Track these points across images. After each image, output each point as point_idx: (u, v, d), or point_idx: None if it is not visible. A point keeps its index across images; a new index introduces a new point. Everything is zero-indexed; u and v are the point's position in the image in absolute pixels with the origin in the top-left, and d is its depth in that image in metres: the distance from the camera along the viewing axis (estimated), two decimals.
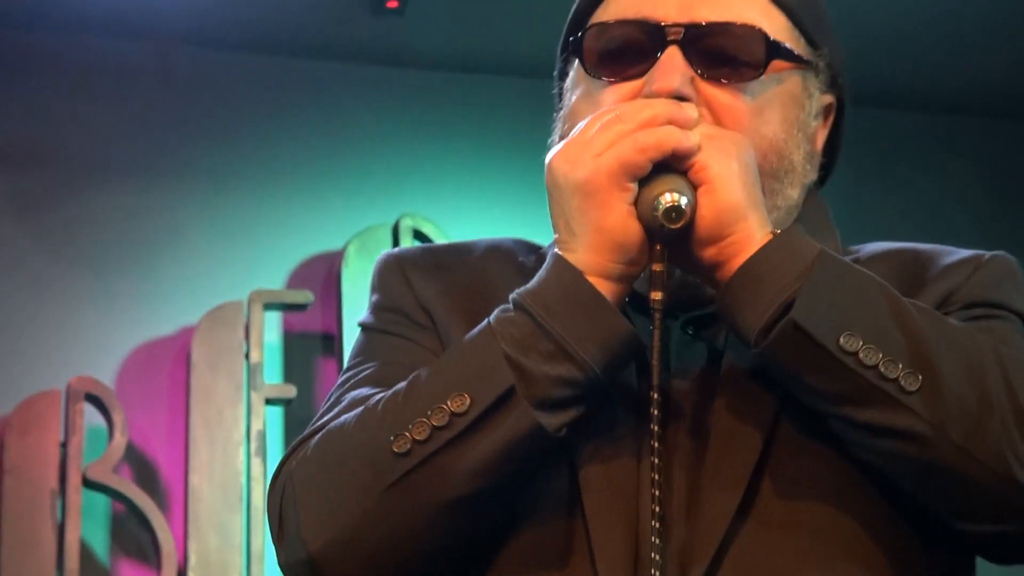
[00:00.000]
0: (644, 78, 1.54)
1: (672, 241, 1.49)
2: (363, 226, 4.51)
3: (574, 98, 1.63)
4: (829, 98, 1.66)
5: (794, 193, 1.61)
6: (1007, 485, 1.40)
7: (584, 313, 1.43)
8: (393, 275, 1.66)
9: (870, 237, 1.73)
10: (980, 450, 1.39)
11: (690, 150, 1.47)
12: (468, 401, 1.41)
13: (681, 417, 1.51)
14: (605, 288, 1.46)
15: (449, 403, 1.41)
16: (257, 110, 4.67)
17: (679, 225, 1.45)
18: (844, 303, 1.43)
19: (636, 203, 1.46)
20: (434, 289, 1.62)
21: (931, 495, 1.44)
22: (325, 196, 4.67)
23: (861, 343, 1.41)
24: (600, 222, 1.45)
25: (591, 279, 1.46)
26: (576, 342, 1.42)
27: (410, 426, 1.42)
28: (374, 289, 1.69)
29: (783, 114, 1.58)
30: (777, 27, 1.61)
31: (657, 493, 1.44)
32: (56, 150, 4.48)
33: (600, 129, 1.49)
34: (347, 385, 1.59)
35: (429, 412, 1.42)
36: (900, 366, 1.40)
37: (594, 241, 1.46)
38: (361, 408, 1.50)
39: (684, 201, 1.45)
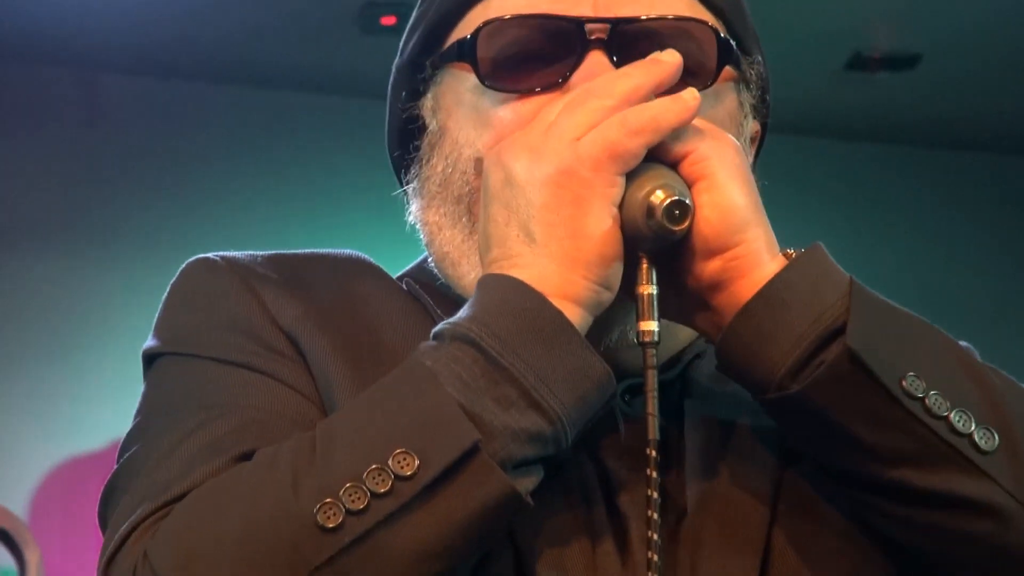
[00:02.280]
0: (560, 90, 1.27)
1: (660, 256, 1.20)
2: None
3: (451, 121, 1.35)
4: (756, 125, 1.41)
5: None
6: None
7: (550, 347, 1.16)
8: (232, 287, 1.33)
9: None
10: None
11: (690, 130, 1.21)
12: (416, 463, 1.12)
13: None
14: (573, 315, 1.18)
15: (391, 464, 1.12)
16: (211, 146, 4.01)
17: (683, 227, 1.17)
18: (900, 339, 1.20)
19: (622, 204, 1.18)
20: (296, 311, 1.31)
21: None
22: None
23: (927, 387, 1.18)
24: (576, 225, 1.17)
25: (556, 302, 1.17)
26: (544, 385, 1.15)
27: (341, 492, 1.12)
28: (192, 303, 1.35)
29: None
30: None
31: None
32: None
33: (567, 109, 1.21)
34: (182, 435, 1.24)
35: (364, 475, 1.12)
36: (973, 420, 1.18)
37: (565, 251, 1.18)
38: (249, 468, 1.17)
39: (686, 198, 1.17)
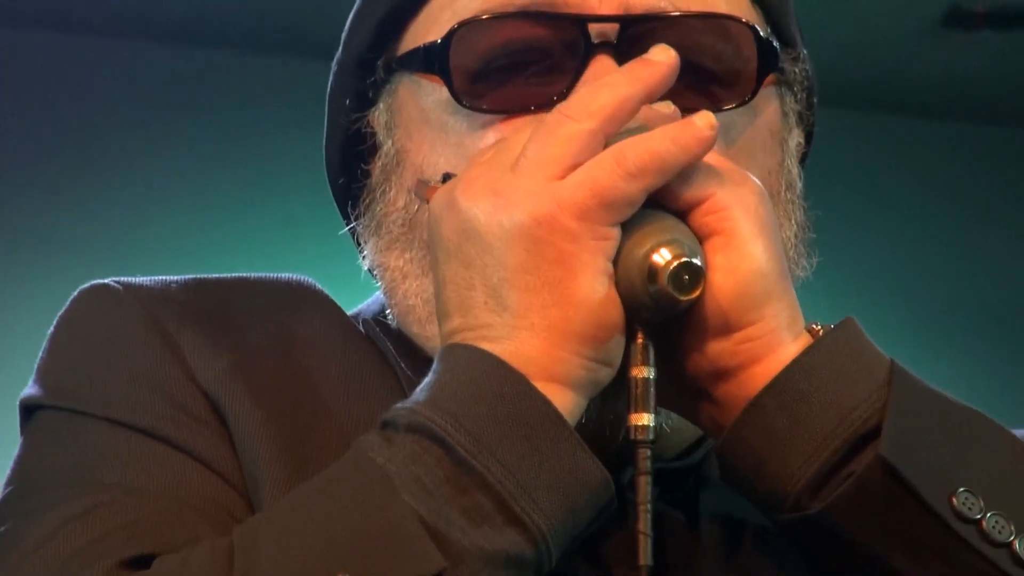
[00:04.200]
0: (556, 109, 1.04)
1: (659, 330, 1.01)
2: None
3: (412, 143, 1.15)
4: (800, 135, 1.22)
5: None
6: None
7: (534, 445, 0.97)
8: (138, 328, 1.11)
9: None
10: None
11: (703, 168, 1.01)
12: None
13: None
14: (564, 402, 0.99)
15: None
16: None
17: (692, 296, 0.98)
18: (951, 442, 1.01)
19: (616, 263, 1.00)
20: (220, 363, 1.10)
21: None
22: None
23: (984, 507, 0.99)
24: (563, 290, 0.98)
25: (541, 386, 0.98)
26: (525, 494, 0.96)
27: None
28: (85, 344, 1.12)
29: (764, 169, 1.14)
30: (748, 19, 1.15)
31: None
32: None
33: (538, 136, 1.00)
34: (58, 523, 1.02)
35: None
36: None
37: (551, 323, 0.98)
38: None
39: (697, 259, 0.98)
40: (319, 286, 1.20)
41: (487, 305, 0.99)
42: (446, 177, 1.05)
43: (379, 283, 1.17)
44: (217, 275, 1.18)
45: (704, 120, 1.00)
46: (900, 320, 4.80)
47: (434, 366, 1.00)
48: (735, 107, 1.10)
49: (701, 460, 1.14)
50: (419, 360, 1.08)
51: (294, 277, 1.19)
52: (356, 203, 1.19)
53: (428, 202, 1.04)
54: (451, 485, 0.95)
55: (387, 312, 1.17)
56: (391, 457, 0.96)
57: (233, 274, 1.19)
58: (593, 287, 0.98)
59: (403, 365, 1.12)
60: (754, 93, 1.11)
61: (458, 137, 1.11)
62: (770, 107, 1.15)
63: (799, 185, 1.19)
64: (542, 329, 0.98)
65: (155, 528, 1.01)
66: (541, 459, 0.96)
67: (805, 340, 1.02)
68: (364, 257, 1.18)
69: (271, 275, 1.19)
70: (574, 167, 0.98)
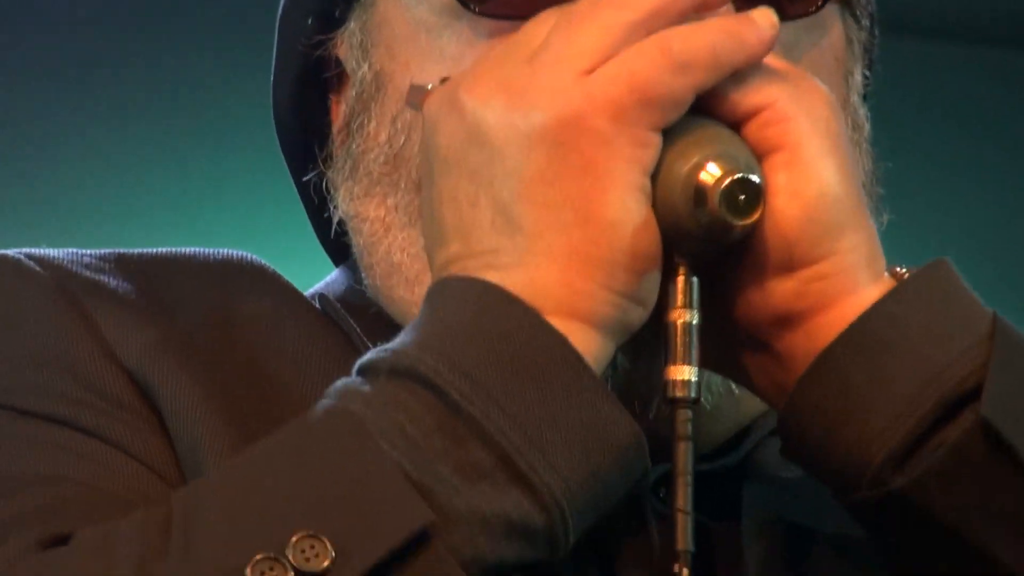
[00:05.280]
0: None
1: (705, 265, 0.89)
2: None
3: (396, 64, 1.01)
4: (863, 69, 1.10)
5: None
6: None
7: (546, 391, 0.86)
8: (48, 303, 1.00)
9: None
10: None
11: (763, 71, 0.90)
12: (331, 552, 0.82)
13: None
14: (586, 343, 0.87)
15: (290, 553, 0.82)
16: None
17: (748, 221, 0.87)
18: None
19: (654, 179, 0.88)
20: (145, 337, 0.99)
21: None
22: None
23: None
24: (589, 206, 0.87)
25: (558, 322, 0.86)
26: (534, 448, 0.85)
27: None
28: None
29: (834, 94, 1.00)
30: None
31: None
32: None
33: (565, 24, 0.89)
34: None
35: (246, 570, 0.82)
36: None
37: (573, 245, 0.87)
38: (64, 554, 0.86)
39: (755, 175, 0.86)
40: (266, 263, 1.07)
41: (494, 225, 0.87)
42: (444, 81, 0.93)
43: (354, 240, 1.04)
44: (138, 250, 1.06)
45: (765, 18, 0.89)
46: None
47: (423, 305, 0.88)
48: (800, 17, 0.97)
49: (745, 456, 1.02)
50: (389, 338, 0.96)
51: (235, 252, 1.07)
52: (321, 147, 1.06)
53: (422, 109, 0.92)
54: (443, 435, 0.84)
55: (363, 284, 1.04)
56: (368, 402, 0.84)
57: (156, 249, 1.06)
58: (626, 205, 0.86)
59: (370, 344, 0.98)
60: (823, 4, 0.99)
61: (458, 49, 0.97)
62: (835, 28, 1.03)
63: (867, 127, 1.07)
64: (562, 254, 0.86)
65: (79, 509, 0.90)
66: (555, 408, 0.84)
67: (887, 283, 0.90)
68: (335, 208, 1.04)
69: (206, 249, 1.07)
70: (607, 59, 0.87)
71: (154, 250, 1.05)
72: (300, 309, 1.03)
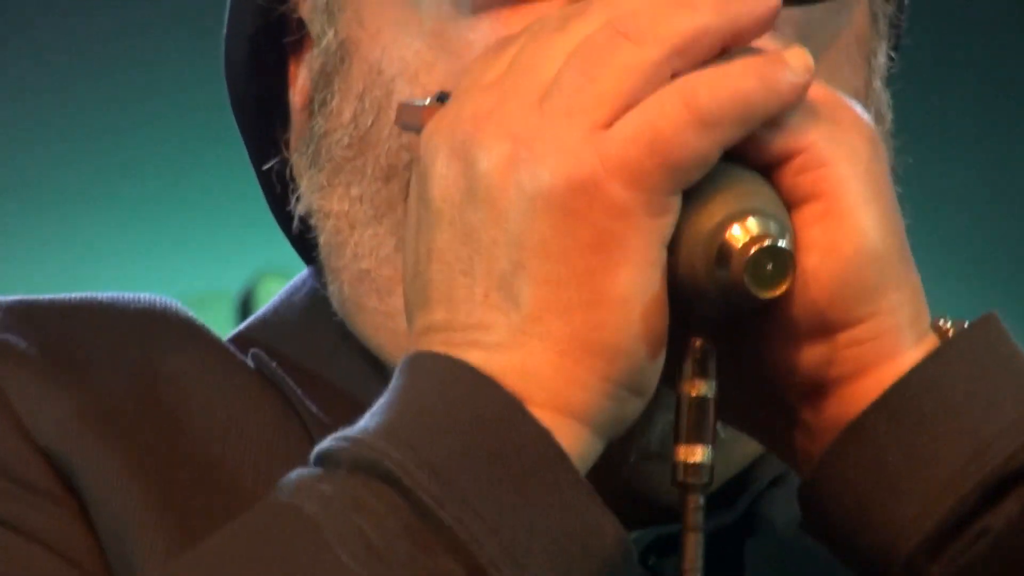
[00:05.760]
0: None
1: (723, 327, 0.83)
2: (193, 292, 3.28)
3: (366, 33, 0.93)
4: (887, 49, 1.02)
5: None
6: None
7: (526, 494, 0.79)
8: None
9: None
10: None
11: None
12: None
13: None
14: (574, 442, 0.80)
15: None
16: None
17: (776, 292, 0.80)
18: None
19: (675, 235, 0.82)
20: (61, 410, 0.91)
21: None
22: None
23: None
24: (598, 286, 0.80)
25: (546, 417, 0.79)
26: (512, 562, 0.78)
27: None
28: None
29: (850, 90, 0.93)
30: None
31: None
32: None
33: (578, 58, 0.80)
34: None
35: None
36: None
37: (574, 331, 0.80)
38: None
39: (785, 241, 0.79)
40: (185, 309, 0.98)
41: (488, 299, 0.80)
42: (442, 98, 0.84)
43: (319, 241, 0.95)
44: (48, 297, 0.97)
45: (799, 59, 0.80)
46: None
47: (393, 381, 0.80)
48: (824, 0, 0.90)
49: (746, 512, 0.96)
50: (344, 403, 0.90)
51: (152, 299, 0.98)
52: (284, 126, 0.97)
53: (419, 131, 0.83)
54: (409, 542, 0.77)
55: (327, 290, 0.95)
56: (326, 503, 0.77)
57: (68, 295, 0.98)
58: (639, 284, 0.78)
59: (316, 410, 0.93)
60: None
61: (437, 22, 0.89)
62: (859, 5, 0.95)
63: (889, 117, 0.99)
64: (560, 338, 0.79)
65: None
66: (535, 514, 0.78)
67: (930, 343, 0.83)
68: (297, 200, 0.96)
69: (124, 296, 0.98)
70: (628, 109, 0.79)
71: (64, 297, 0.96)
72: (230, 368, 0.94)
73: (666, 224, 0.78)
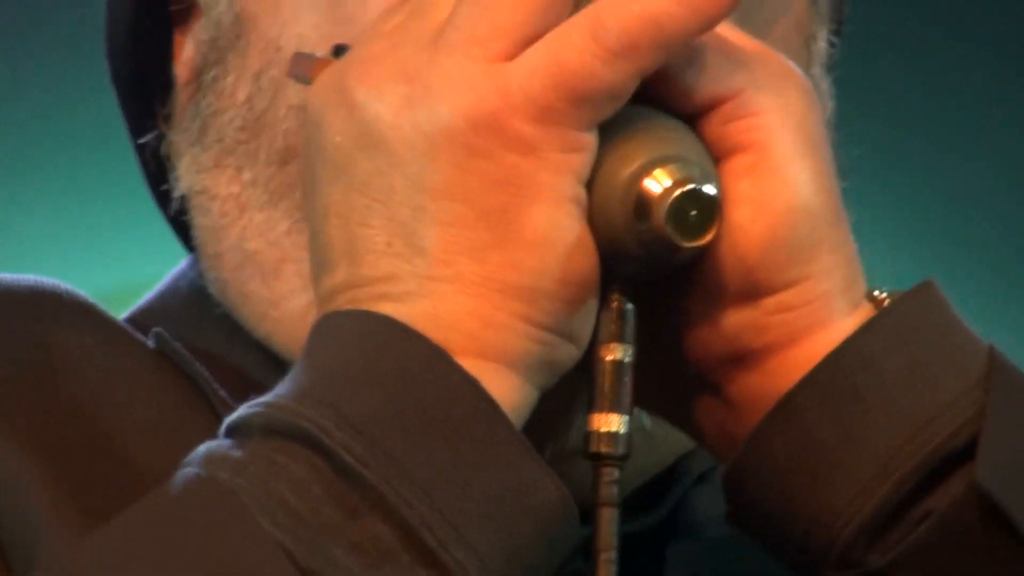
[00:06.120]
0: None
1: (642, 290, 0.78)
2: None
3: (259, 3, 0.90)
4: (827, 36, 1.00)
5: None
6: None
7: (457, 448, 0.75)
8: None
9: None
10: None
11: (723, 51, 0.79)
12: None
13: None
14: (503, 389, 0.76)
15: None
16: None
17: (700, 242, 0.76)
18: None
19: (589, 186, 0.78)
20: None
21: None
22: None
23: None
24: (511, 224, 0.76)
25: (469, 364, 0.75)
26: (444, 521, 0.74)
27: None
28: None
29: None
30: None
31: None
32: None
33: None
34: None
35: None
36: None
37: (489, 272, 0.76)
38: None
39: (710, 186, 0.75)
40: (78, 291, 0.94)
41: (391, 247, 0.75)
42: (339, 51, 0.81)
43: (197, 222, 0.91)
44: None
45: None
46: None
47: (305, 345, 0.76)
48: None
49: (672, 510, 0.93)
50: (245, 384, 0.85)
51: (45, 280, 0.94)
52: (164, 100, 0.93)
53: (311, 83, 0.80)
54: (334, 507, 0.73)
55: (206, 278, 0.91)
56: (240, 469, 0.73)
57: None
58: (556, 220, 0.74)
59: (224, 393, 0.88)
60: None
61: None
62: None
63: (830, 107, 0.97)
64: (474, 281, 0.75)
65: None
66: (468, 471, 0.74)
67: (865, 312, 0.79)
68: (177, 180, 0.91)
69: (8, 276, 0.94)
70: (528, 41, 0.75)
71: None
72: (128, 347, 0.90)
73: (580, 161, 0.74)
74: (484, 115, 0.74)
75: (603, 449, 0.75)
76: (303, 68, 0.81)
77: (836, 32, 0.98)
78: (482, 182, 0.75)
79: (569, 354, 0.76)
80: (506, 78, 0.74)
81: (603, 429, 0.75)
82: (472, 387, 0.73)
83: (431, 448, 0.74)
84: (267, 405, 0.74)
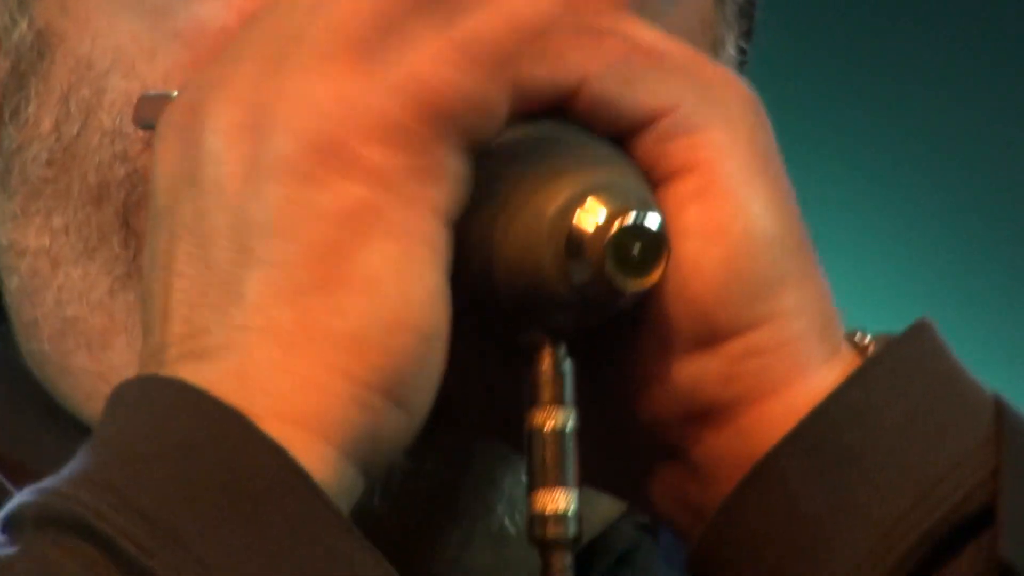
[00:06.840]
0: None
1: (581, 342, 0.69)
2: None
3: (71, 20, 0.80)
4: (736, 40, 0.91)
5: None
6: None
7: (261, 531, 0.64)
8: None
9: None
10: None
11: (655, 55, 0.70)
12: None
13: None
14: (314, 460, 0.66)
15: None
16: None
17: (648, 280, 0.67)
18: None
19: (506, 225, 0.68)
20: None
21: None
22: None
23: None
24: (338, 266, 0.67)
25: (275, 430, 0.65)
26: None
27: None
28: None
29: None
30: None
31: None
32: None
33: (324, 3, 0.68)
34: None
35: None
36: None
37: (300, 319, 0.67)
38: None
39: (654, 215, 0.66)
40: None
41: (205, 298, 0.67)
42: None
43: (7, 285, 0.82)
44: None
45: None
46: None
47: (102, 415, 0.68)
48: None
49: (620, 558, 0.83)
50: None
51: None
52: None
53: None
54: None
55: (21, 350, 0.81)
56: (6, 569, 0.64)
57: None
58: (393, 259, 0.66)
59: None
60: None
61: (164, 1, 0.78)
62: None
63: None
64: (286, 329, 0.65)
65: None
66: (274, 554, 0.64)
67: (848, 360, 0.71)
68: None
69: None
70: (385, 53, 0.67)
71: None
72: None
73: (445, 193, 0.65)
74: (324, 139, 0.65)
75: (550, 534, 0.65)
76: (149, 112, 0.72)
77: (747, 36, 0.90)
78: (312, 216, 0.65)
79: (399, 426, 0.66)
80: (355, 96, 0.65)
81: (549, 510, 0.65)
82: (276, 455, 0.64)
83: (228, 529, 0.64)
84: (41, 492, 0.65)
